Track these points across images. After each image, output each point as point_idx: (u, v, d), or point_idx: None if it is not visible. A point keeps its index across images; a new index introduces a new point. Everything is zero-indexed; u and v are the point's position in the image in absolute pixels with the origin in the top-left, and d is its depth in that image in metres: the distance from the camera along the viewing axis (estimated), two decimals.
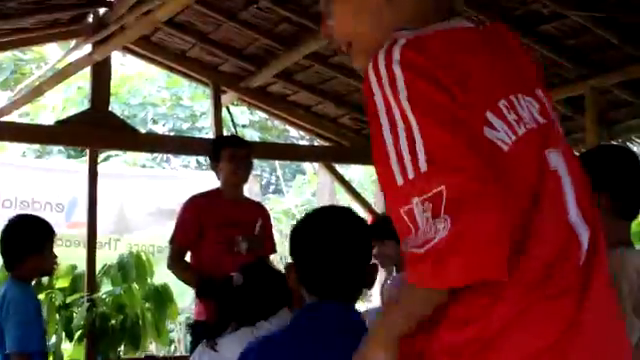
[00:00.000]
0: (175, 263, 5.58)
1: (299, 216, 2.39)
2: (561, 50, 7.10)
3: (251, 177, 5.87)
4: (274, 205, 15.62)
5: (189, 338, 7.11)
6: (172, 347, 11.72)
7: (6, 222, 4.79)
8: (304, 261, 2.25)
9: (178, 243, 5.57)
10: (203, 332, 4.73)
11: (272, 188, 19.36)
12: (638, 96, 7.58)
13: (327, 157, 9.34)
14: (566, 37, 6.97)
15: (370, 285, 2.33)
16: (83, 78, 10.52)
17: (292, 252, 2.31)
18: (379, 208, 9.27)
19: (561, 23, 6.76)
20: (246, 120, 15.86)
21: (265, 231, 5.70)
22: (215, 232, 5.49)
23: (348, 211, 2.40)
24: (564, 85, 7.54)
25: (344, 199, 13.76)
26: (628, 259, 2.85)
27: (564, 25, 6.79)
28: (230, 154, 5.54)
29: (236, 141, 5.80)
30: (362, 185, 15.47)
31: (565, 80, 7.51)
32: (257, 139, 14.84)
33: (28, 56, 15.83)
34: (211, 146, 5.88)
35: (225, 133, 8.74)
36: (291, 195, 17.66)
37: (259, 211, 5.82)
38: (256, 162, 6.84)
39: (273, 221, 6.20)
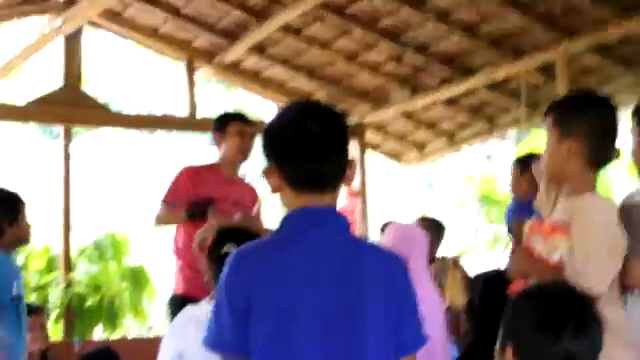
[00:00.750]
0: (162, 214, 5.40)
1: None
2: (532, 15, 7.14)
3: None
4: None
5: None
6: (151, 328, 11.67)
7: None
8: (287, 155, 2.21)
9: (168, 203, 5.40)
10: (182, 306, 4.67)
11: None
12: (609, 61, 7.63)
13: None
14: (537, 2, 7.00)
15: (348, 180, 2.37)
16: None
17: (272, 151, 2.25)
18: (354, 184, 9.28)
19: None
20: (222, 102, 15.81)
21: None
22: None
23: (322, 105, 2.39)
24: (536, 52, 7.57)
25: None
26: (600, 206, 2.86)
27: None
28: (239, 129, 5.35)
29: (246, 118, 5.51)
30: None
31: (537, 47, 7.54)
32: None
33: None
34: (219, 117, 5.54)
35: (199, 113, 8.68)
36: None
37: (250, 192, 5.68)
38: None
39: None
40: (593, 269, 2.72)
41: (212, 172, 5.37)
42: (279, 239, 2.22)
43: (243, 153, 5.39)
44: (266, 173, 2.25)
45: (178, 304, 5.04)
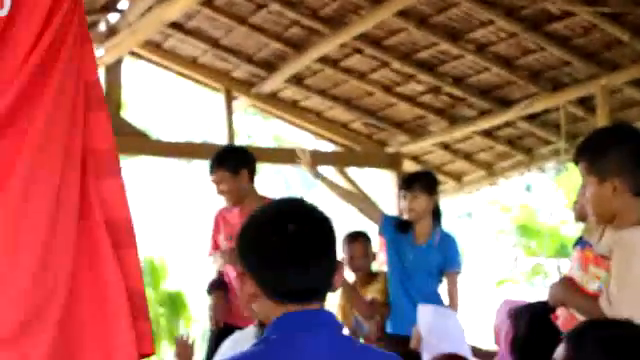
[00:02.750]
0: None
1: None
2: (571, 49, 7.11)
3: None
4: None
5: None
6: None
7: None
8: (261, 268, 1.98)
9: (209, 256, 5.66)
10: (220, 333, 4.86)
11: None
12: None
13: (339, 161, 9.35)
14: (576, 36, 6.97)
15: (335, 287, 2.04)
16: None
17: (245, 260, 2.00)
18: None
19: (570, 21, 6.76)
20: (260, 131, 15.93)
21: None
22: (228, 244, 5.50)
23: (303, 206, 2.06)
24: (575, 85, 7.54)
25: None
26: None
27: (573, 23, 6.79)
28: (212, 180, 5.42)
29: (212, 167, 5.43)
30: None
31: (576, 80, 7.52)
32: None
33: None
34: None
35: (237, 141, 8.76)
36: None
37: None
38: None
39: None
40: (626, 301, 2.72)
41: (231, 210, 5.46)
42: (267, 349, 1.99)
43: (224, 197, 5.41)
44: (241, 277, 2.05)
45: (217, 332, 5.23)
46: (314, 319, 1.98)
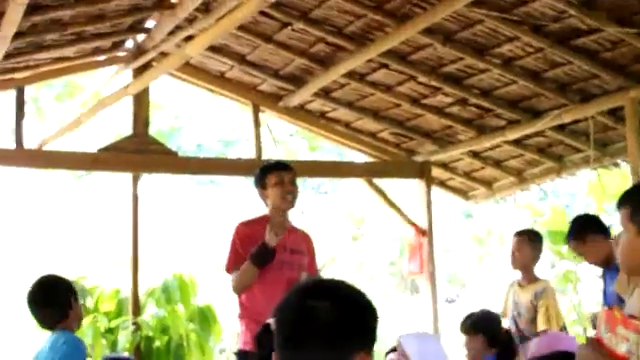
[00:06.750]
0: (233, 278, 5.49)
1: None
2: (599, 62, 7.02)
3: None
4: None
5: None
6: None
7: (33, 286, 4.74)
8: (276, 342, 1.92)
9: (231, 271, 5.53)
10: None
11: None
12: None
13: (369, 173, 9.32)
14: (604, 50, 6.89)
15: None
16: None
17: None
18: (421, 223, 9.25)
19: (598, 36, 6.67)
20: (291, 131, 15.94)
21: (310, 255, 5.65)
22: None
23: (333, 283, 1.96)
24: (604, 96, 7.46)
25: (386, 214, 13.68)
26: None
27: (601, 38, 6.70)
28: (277, 179, 5.43)
29: (282, 165, 5.62)
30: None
31: (605, 91, 7.43)
32: (305, 147, 14.99)
33: None
34: (257, 173, 5.62)
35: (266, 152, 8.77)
36: None
37: (304, 238, 5.72)
38: None
39: None
40: None
41: (264, 225, 5.40)
42: None
43: (285, 199, 5.42)
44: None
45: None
46: None
